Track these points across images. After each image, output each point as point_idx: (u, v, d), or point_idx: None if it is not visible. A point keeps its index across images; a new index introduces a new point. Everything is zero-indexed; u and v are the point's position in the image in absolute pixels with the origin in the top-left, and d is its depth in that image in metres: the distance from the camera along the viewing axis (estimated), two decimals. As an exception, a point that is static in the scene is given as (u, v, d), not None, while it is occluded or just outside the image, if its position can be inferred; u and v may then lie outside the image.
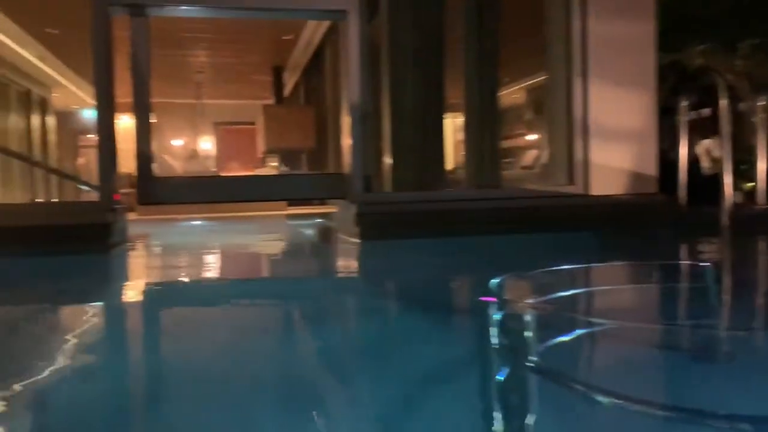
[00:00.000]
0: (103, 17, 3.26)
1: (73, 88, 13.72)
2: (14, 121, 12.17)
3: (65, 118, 15.28)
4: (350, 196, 3.45)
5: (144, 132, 3.48)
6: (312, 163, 11.73)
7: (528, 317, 1.32)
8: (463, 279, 2.39)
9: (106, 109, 3.29)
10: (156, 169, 4.76)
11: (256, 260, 3.32)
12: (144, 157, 3.46)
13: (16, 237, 3.03)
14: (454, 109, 9.28)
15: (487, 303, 1.33)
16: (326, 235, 4.62)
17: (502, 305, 1.37)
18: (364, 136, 3.47)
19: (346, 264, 3.01)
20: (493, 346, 1.28)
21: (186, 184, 3.80)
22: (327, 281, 2.42)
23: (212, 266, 3.12)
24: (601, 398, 1.19)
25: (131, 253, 3.53)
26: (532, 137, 10.56)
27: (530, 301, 1.80)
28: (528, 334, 1.30)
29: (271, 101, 13.07)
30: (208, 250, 3.86)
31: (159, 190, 3.52)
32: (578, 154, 3.49)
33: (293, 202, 9.69)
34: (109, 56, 3.30)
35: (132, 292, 2.41)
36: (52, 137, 13.95)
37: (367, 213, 3.32)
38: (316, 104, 11.36)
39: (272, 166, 12.46)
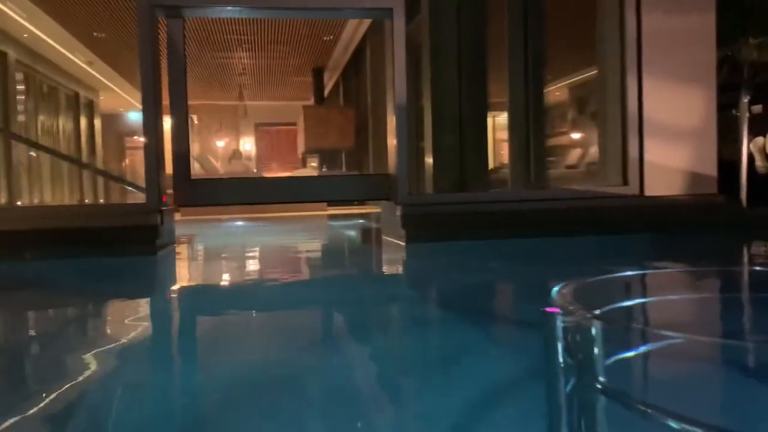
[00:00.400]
0: (149, 19, 3.24)
1: (120, 91, 13.98)
2: (63, 123, 12.44)
3: (112, 120, 15.57)
4: (395, 197, 3.37)
5: (181, 132, 3.46)
6: (351, 164, 11.70)
7: (595, 330, 1.22)
8: (518, 285, 2.29)
9: (152, 110, 3.28)
10: (198, 170, 4.62)
11: (303, 263, 3.25)
12: (181, 158, 3.44)
13: (62, 239, 3.04)
14: (495, 107, 9.14)
15: (549, 314, 1.23)
16: (370, 236, 4.55)
17: (566, 316, 1.27)
18: (409, 135, 3.39)
19: (395, 268, 2.91)
20: (557, 362, 1.19)
21: (225, 186, 3.76)
22: (377, 287, 2.34)
23: (260, 268, 3.08)
24: (673, 424, 1.09)
25: (179, 255, 3.52)
26: (575, 136, 10.34)
27: (596, 312, 1.68)
28: (595, 349, 1.20)
29: (311, 102, 13.09)
30: (254, 251, 3.83)
31: (197, 192, 3.49)
32: (632, 152, 3.34)
33: (333, 202, 9.69)
34: (155, 58, 3.29)
35: (182, 296, 2.37)
36: (98, 139, 14.22)
37: (413, 214, 3.24)
38: (356, 104, 11.33)
39: (312, 167, 12.47)
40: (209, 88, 13.90)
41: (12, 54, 9.94)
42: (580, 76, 10.01)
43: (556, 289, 1.87)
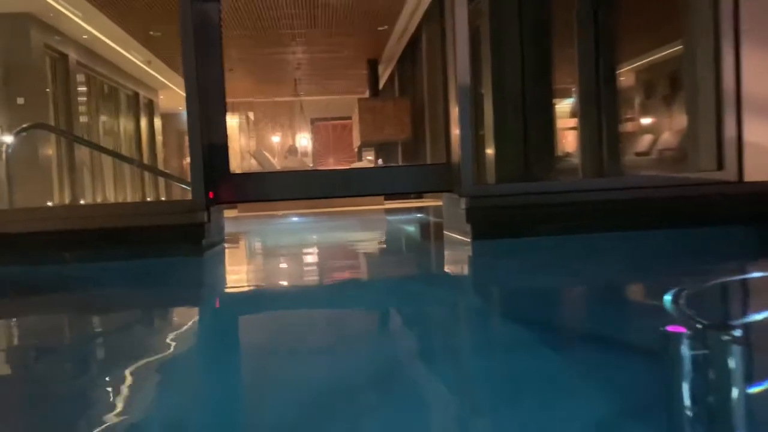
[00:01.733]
0: (188, 5, 3.01)
1: (179, 90, 14.06)
2: (124, 123, 12.57)
3: (172, 119, 15.71)
4: (459, 189, 3.04)
5: (217, 123, 3.22)
6: (407, 156, 11.38)
7: (730, 353, 0.89)
8: (614, 293, 1.92)
9: (194, 102, 3.05)
10: (255, 166, 4.36)
11: (363, 262, 2.95)
12: (217, 150, 3.20)
13: (101, 240, 2.84)
14: (559, 94, 8.65)
15: (672, 334, 0.90)
16: (431, 232, 4.22)
17: (694, 337, 0.93)
18: (474, 123, 3.06)
19: (461, 271, 2.57)
20: (686, 400, 0.87)
21: (269, 180, 3.50)
22: (444, 295, 2.02)
23: (313, 270, 2.80)
24: None
25: (228, 255, 3.29)
26: (646, 120, 9.73)
27: (733, 329, 1.31)
28: (736, 379, 0.87)
29: (366, 95, 12.84)
30: (307, 250, 3.57)
31: (237, 188, 3.24)
32: (729, 132, 2.91)
33: (390, 195, 9.40)
34: (197, 47, 3.06)
35: (228, 302, 2.11)
36: (159, 138, 14.35)
37: (480, 207, 2.90)
38: (411, 95, 11.00)
39: (368, 160, 12.22)
40: (264, 84, 13.83)
41: (72, 55, 10.03)
42: (651, 57, 9.38)
43: (668, 297, 1.51)
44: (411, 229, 4.63)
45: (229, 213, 8.51)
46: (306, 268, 2.84)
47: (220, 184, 3.21)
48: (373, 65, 12.19)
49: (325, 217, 6.57)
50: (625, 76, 9.86)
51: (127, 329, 1.72)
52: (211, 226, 3.07)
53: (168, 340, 1.54)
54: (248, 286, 2.41)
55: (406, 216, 6.37)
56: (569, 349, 1.29)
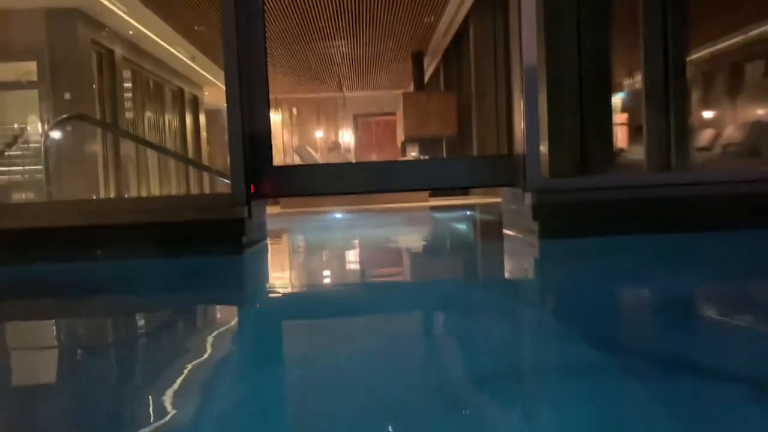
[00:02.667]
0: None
1: (223, 86, 13.98)
2: (169, 118, 12.54)
3: (217, 115, 15.66)
4: (523, 182, 2.71)
5: (259, 110, 2.96)
6: (453, 152, 11.03)
7: None
8: (729, 306, 1.58)
9: (234, 87, 2.79)
10: (298, 162, 4.09)
11: (417, 265, 2.63)
12: (259, 140, 2.93)
13: (134, 235, 2.61)
14: (618, 87, 8.19)
15: None
16: (486, 231, 3.89)
17: None
18: (539, 109, 2.72)
19: (538, 276, 2.20)
20: None
21: (313, 174, 3.22)
22: (522, 305, 1.71)
23: (365, 271, 2.51)
24: None
25: (269, 254, 3.03)
26: (709, 114, 9.17)
27: None
28: None
29: (410, 89, 12.53)
30: (355, 249, 3.29)
31: (280, 182, 2.97)
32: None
33: (436, 192, 9.08)
34: (238, 33, 2.82)
35: (272, 307, 1.84)
36: (204, 134, 14.32)
37: (549, 204, 2.57)
38: (458, 90, 10.65)
39: (412, 156, 11.92)
40: (308, 80, 13.65)
41: (119, 51, 9.98)
42: (717, 45, 8.80)
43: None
44: (463, 227, 4.30)
45: (270, 209, 8.30)
46: (354, 271, 2.55)
47: (261, 177, 2.95)
48: (418, 59, 11.88)
49: (368, 214, 6.29)
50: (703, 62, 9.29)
51: (153, 343, 1.46)
52: (251, 222, 2.82)
53: (203, 352, 1.27)
54: (292, 290, 2.13)
55: (453, 213, 6.04)
56: (675, 381, 0.96)
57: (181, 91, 13.08)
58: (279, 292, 2.07)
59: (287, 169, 3.16)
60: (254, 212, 2.88)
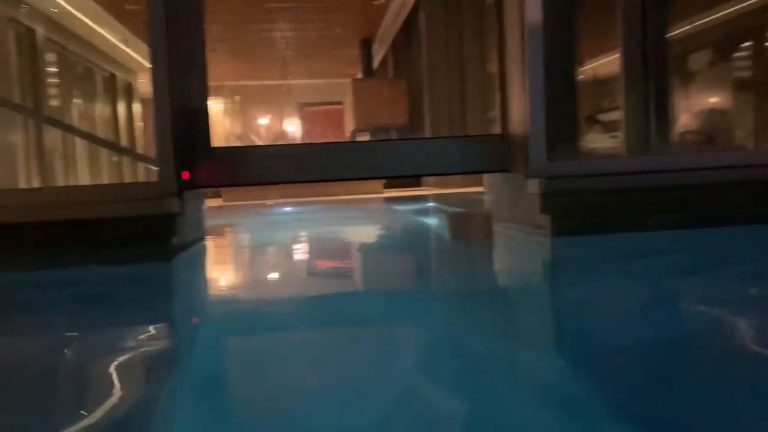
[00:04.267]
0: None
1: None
2: (100, 106, 11.54)
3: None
4: (524, 167, 2.17)
5: (195, 82, 2.33)
6: (404, 142, 10.50)
7: None
8: None
9: (162, 56, 2.15)
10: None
11: (388, 279, 1.99)
12: (193, 117, 2.31)
13: (20, 238, 1.94)
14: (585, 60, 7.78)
15: None
16: (471, 227, 3.31)
17: None
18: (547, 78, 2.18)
19: (570, 291, 1.60)
20: None
21: (262, 157, 2.57)
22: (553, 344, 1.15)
23: (329, 284, 1.90)
24: None
25: (207, 260, 2.39)
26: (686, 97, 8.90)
27: None
28: None
29: (358, 77, 11.91)
30: (313, 251, 2.66)
31: (222, 167, 2.33)
32: None
33: (391, 182, 8.52)
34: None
35: (204, 355, 1.22)
36: (139, 124, 13.31)
37: (563, 193, 2.04)
38: (408, 78, 10.11)
39: (362, 147, 11.35)
40: (251, 66, 12.83)
41: (41, 31, 8.98)
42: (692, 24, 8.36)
43: None
44: (433, 222, 3.73)
45: (211, 202, 7.56)
46: (317, 285, 1.93)
47: (197, 161, 2.31)
48: (367, 45, 11.26)
49: (321, 206, 5.67)
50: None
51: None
52: (184, 219, 2.18)
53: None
54: (232, 316, 1.51)
55: (414, 205, 5.48)
56: None
57: (113, 77, 12.07)
58: (215, 319, 1.44)
59: (231, 152, 2.51)
60: (188, 206, 2.24)
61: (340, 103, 13.49)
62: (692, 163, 2.07)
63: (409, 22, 9.74)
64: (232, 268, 2.26)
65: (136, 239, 1.99)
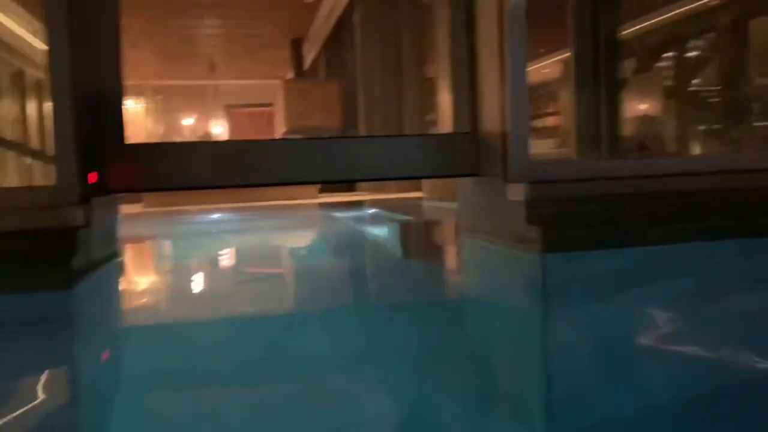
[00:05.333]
0: None
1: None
2: (5, 105, 10.56)
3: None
4: (504, 170, 1.86)
5: (106, 63, 1.90)
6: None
7: None
8: None
9: (58, 14, 1.70)
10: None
11: (343, 316, 1.53)
12: (105, 106, 1.87)
13: None
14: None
15: None
16: (429, 240, 2.94)
17: None
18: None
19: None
20: None
21: (187, 155, 2.12)
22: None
23: (273, 322, 1.48)
24: None
25: (117, 288, 1.93)
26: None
27: None
28: None
29: (290, 78, 11.44)
30: (245, 278, 2.20)
31: (137, 168, 1.89)
32: None
33: (326, 187, 8.11)
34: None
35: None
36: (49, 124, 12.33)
37: (554, 200, 1.72)
38: (342, 80, 9.75)
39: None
40: (175, 65, 12.11)
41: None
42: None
43: None
44: (379, 232, 3.35)
45: (129, 209, 6.90)
46: (257, 324, 1.51)
47: (109, 161, 1.87)
48: (297, 45, 10.82)
49: (253, 213, 5.21)
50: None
51: None
52: (92, 232, 1.74)
53: None
54: (153, 372, 1.09)
55: (355, 212, 5.11)
56: None
57: (22, 73, 11.09)
58: (130, 381, 1.02)
59: (149, 150, 2.05)
60: (97, 215, 1.80)
61: (270, 105, 12.97)
62: (722, 165, 1.79)
63: (343, 22, 9.39)
64: (150, 297, 1.81)
65: (24, 261, 1.53)
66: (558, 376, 0.91)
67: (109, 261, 1.94)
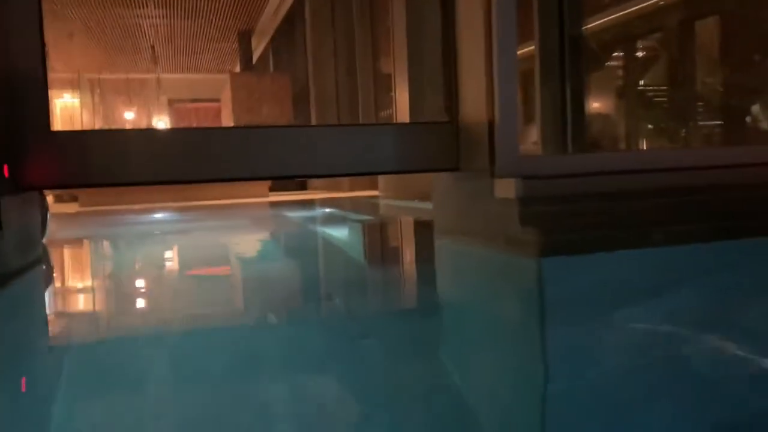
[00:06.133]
0: None
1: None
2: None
3: None
4: (491, 164, 1.64)
5: (26, 32, 1.59)
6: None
7: None
8: None
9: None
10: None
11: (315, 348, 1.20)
12: (26, 85, 1.57)
13: None
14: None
15: None
16: (412, 242, 2.66)
17: None
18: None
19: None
20: None
21: (125, 144, 1.79)
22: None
23: (226, 348, 1.19)
24: None
25: (39, 300, 1.62)
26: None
27: None
28: None
29: (237, 71, 11.03)
30: (197, 285, 1.86)
31: (66, 161, 1.58)
32: None
33: (276, 185, 7.77)
34: None
35: None
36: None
37: (551, 198, 1.52)
38: (291, 74, 9.42)
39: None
40: (115, 56, 11.50)
41: None
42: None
43: None
44: (340, 234, 3.08)
45: (63, 208, 6.39)
46: (189, 364, 1.21)
47: (29, 151, 1.56)
48: (245, 38, 10.42)
49: (199, 213, 4.86)
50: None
51: None
52: (7, 237, 1.43)
53: None
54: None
55: (309, 212, 4.83)
56: None
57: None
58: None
59: (79, 138, 1.73)
60: (12, 216, 1.49)
61: (216, 100, 12.51)
62: (731, 158, 1.61)
63: (293, 13, 9.07)
64: (74, 312, 1.50)
65: None
66: (562, 408, 0.69)
67: (30, 270, 1.63)
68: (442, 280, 1.59)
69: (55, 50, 9.64)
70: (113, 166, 1.68)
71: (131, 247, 2.74)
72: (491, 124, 1.66)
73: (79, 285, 1.77)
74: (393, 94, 5.32)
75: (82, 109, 11.72)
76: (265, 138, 2.00)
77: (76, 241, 3.02)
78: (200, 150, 1.85)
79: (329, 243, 2.64)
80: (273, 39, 10.41)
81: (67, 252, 2.53)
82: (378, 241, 2.64)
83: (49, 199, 9.26)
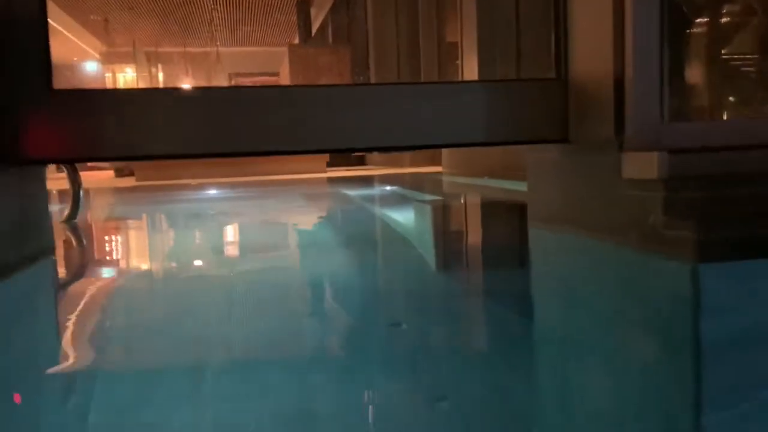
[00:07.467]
0: None
1: (69, 34, 11.38)
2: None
3: (61, 72, 12.96)
4: (625, 132, 1.22)
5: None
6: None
7: None
8: None
9: None
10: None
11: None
12: (20, 33, 1.23)
13: None
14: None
15: None
16: (503, 234, 2.15)
17: None
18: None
19: None
20: None
21: (146, 108, 1.42)
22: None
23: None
24: None
25: (50, 298, 1.30)
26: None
27: None
28: None
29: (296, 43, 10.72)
30: (279, 293, 1.43)
31: (78, 126, 1.24)
32: None
33: (334, 159, 7.46)
34: None
35: None
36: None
37: (699, 180, 1.09)
38: (351, 43, 9.04)
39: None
40: (175, 29, 11.39)
41: None
42: None
43: None
44: (406, 219, 2.66)
45: (124, 182, 6.25)
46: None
47: (24, 114, 1.24)
48: (304, 9, 10.08)
49: (255, 189, 4.55)
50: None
51: None
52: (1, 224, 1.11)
53: None
54: None
55: (370, 189, 4.46)
56: None
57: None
58: None
59: (89, 96, 1.37)
60: (5, 199, 1.17)
61: (275, 73, 12.29)
62: None
63: (353, -17, 8.67)
64: (82, 330, 1.16)
65: None
66: None
67: (30, 264, 1.31)
68: (556, 297, 1.16)
69: (113, 24, 9.56)
70: (133, 135, 1.33)
71: (174, 231, 2.43)
72: (619, 81, 1.23)
73: (89, 291, 1.43)
74: (459, 62, 4.86)
75: (138, 83, 11.70)
76: (325, 98, 1.60)
77: (119, 220, 2.75)
78: (242, 115, 1.48)
79: (395, 229, 2.25)
80: (332, 9, 10.02)
81: (100, 236, 2.24)
82: (455, 233, 2.20)
83: (110, 173, 9.20)
